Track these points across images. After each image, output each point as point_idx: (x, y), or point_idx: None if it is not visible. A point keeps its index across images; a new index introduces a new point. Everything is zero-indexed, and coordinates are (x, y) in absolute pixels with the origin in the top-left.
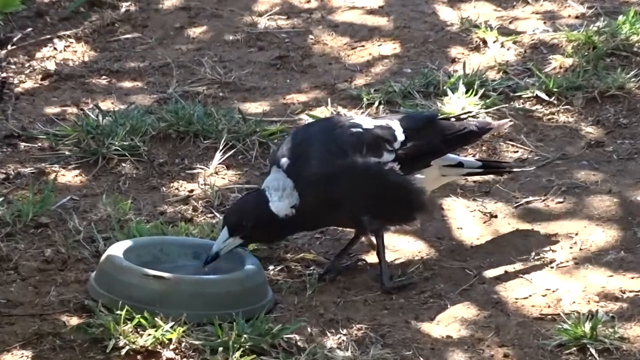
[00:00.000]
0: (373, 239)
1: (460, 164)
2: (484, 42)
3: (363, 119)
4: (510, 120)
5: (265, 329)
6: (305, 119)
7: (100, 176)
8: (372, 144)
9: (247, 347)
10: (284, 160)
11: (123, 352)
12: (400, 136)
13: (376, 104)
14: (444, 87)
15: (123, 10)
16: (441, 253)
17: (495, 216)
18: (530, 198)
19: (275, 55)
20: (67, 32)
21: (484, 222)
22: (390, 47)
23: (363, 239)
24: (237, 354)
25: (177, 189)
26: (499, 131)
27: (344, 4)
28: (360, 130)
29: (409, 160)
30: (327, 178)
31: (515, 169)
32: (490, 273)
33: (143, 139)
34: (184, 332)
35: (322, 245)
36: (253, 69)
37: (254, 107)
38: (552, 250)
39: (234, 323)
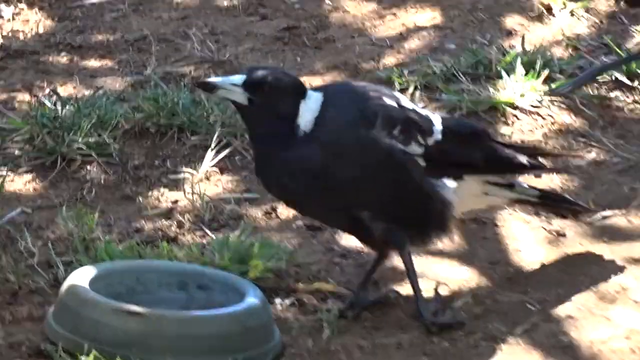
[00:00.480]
0: (398, 258)
1: (511, 186)
2: (549, 9)
3: (402, 97)
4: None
5: None
6: None
7: (59, 182)
8: (404, 126)
9: None
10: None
11: None
12: (437, 134)
13: (411, 89)
14: (498, 68)
15: None
16: (495, 283)
17: (564, 235)
18: (609, 212)
19: (283, 26)
20: None
21: (549, 243)
22: (429, 16)
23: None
24: None
25: (157, 199)
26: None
27: None
28: (394, 105)
29: (437, 162)
30: (344, 145)
31: (584, 208)
32: (557, 308)
33: (113, 134)
34: None
35: (343, 272)
36: (254, 43)
37: None
38: (637, 279)
39: None
